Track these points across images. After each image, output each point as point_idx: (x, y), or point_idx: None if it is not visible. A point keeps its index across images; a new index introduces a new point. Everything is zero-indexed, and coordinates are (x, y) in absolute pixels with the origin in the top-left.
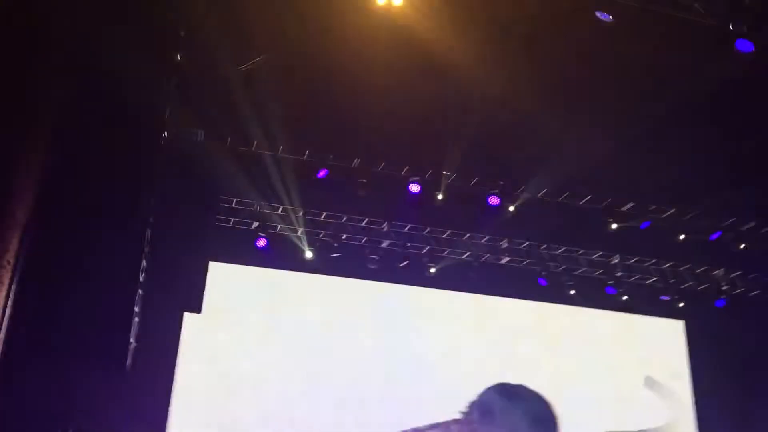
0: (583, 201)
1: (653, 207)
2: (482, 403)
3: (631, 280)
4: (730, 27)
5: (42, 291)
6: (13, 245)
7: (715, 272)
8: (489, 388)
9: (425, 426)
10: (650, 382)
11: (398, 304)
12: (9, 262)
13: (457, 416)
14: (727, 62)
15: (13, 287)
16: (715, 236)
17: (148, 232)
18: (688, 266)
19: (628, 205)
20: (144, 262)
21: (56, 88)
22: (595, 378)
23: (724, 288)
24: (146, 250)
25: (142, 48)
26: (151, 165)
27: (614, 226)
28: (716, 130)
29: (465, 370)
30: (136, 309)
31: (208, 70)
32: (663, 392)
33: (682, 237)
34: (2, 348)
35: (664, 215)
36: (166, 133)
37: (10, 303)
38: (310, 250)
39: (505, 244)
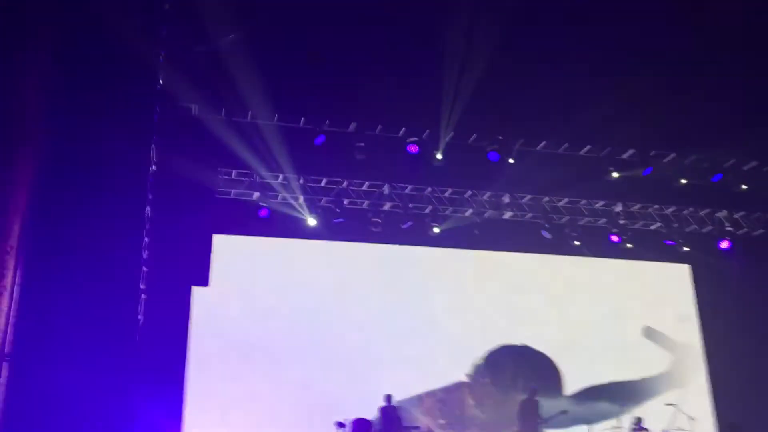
0: (584, 151)
1: (654, 153)
2: (493, 364)
3: (635, 227)
4: None
5: (46, 275)
6: (15, 231)
7: (718, 214)
8: (496, 350)
9: (440, 388)
10: (649, 332)
11: (404, 265)
12: (12, 248)
13: (468, 378)
14: (723, 5)
15: (18, 272)
16: (716, 178)
17: (148, 209)
18: (691, 210)
19: (629, 152)
20: (146, 239)
21: (46, 71)
22: (602, 327)
23: (728, 229)
24: (147, 227)
25: (131, 22)
26: (145, 143)
27: (615, 174)
28: (714, 70)
29: (474, 326)
30: (142, 286)
31: (197, 41)
32: (663, 340)
33: (683, 181)
34: (13, 334)
35: (665, 160)
36: (158, 110)
37: (16, 288)
38: (312, 217)
39: (507, 199)
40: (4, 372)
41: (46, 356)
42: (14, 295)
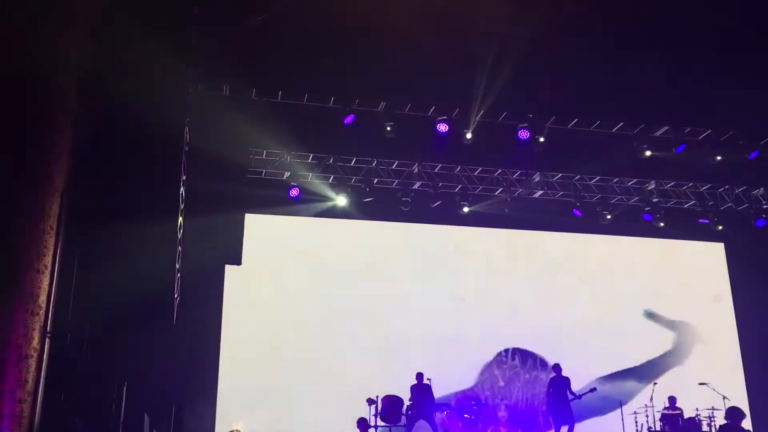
0: (615, 128)
1: (688, 129)
2: (519, 350)
3: (668, 205)
4: None
5: (85, 254)
6: (54, 210)
7: (755, 191)
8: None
9: (470, 367)
10: (649, 314)
11: (433, 244)
12: (52, 228)
13: (497, 359)
14: None
15: (59, 252)
16: (753, 155)
17: (182, 189)
18: (726, 187)
19: (662, 129)
20: (181, 219)
21: (79, 58)
22: (634, 306)
23: (765, 207)
24: (182, 207)
25: (161, 8)
26: (179, 123)
27: (648, 153)
28: (745, 44)
29: (504, 305)
30: (177, 265)
31: (227, 23)
32: (663, 321)
33: (719, 158)
34: (53, 309)
35: (700, 137)
36: (191, 91)
37: (56, 267)
38: (342, 196)
39: (537, 178)
40: (46, 348)
41: (85, 333)
42: (55, 274)
